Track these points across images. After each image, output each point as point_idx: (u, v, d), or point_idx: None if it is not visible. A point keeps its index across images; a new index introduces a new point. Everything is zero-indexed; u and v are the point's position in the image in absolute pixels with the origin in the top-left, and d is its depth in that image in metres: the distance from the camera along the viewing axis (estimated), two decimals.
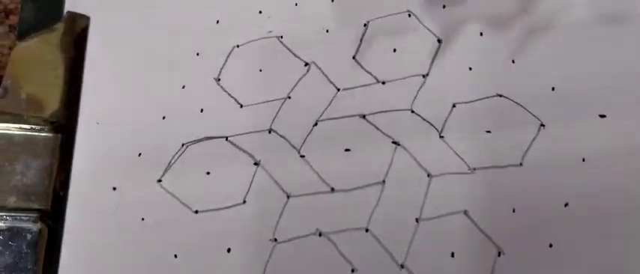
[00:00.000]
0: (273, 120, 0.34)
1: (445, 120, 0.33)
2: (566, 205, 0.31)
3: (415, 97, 0.34)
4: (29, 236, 0.33)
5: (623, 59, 0.33)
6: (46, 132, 0.35)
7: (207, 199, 0.33)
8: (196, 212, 0.33)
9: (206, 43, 0.36)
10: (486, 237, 0.31)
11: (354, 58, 0.35)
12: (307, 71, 0.35)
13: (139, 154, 0.35)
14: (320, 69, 0.35)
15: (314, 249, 0.32)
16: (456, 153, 0.32)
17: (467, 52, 0.34)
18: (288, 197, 0.33)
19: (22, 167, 0.34)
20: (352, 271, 0.32)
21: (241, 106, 0.35)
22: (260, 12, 0.37)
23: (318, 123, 0.34)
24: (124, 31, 0.38)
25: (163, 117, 0.35)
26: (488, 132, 0.33)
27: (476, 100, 0.33)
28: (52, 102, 0.36)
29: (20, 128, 0.35)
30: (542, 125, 0.32)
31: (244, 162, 0.34)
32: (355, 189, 0.33)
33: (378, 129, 0.34)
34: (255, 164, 0.34)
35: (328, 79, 0.35)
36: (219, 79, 0.36)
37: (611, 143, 0.31)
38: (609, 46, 0.33)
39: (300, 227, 0.32)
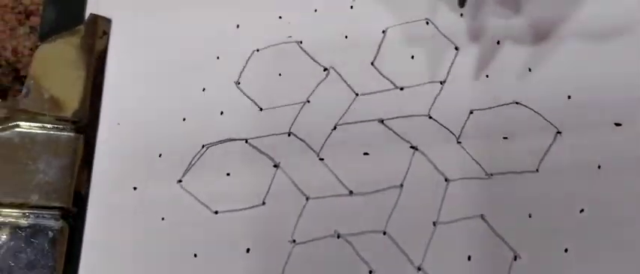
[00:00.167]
0: (293, 123, 0.35)
1: (462, 126, 0.34)
2: (581, 211, 0.31)
3: (433, 103, 0.34)
4: (51, 234, 0.34)
5: (638, 69, 0.33)
6: (68, 131, 0.36)
7: (226, 200, 0.34)
8: (216, 212, 0.34)
9: (227, 47, 0.37)
10: (502, 241, 0.32)
11: (372, 63, 0.36)
12: (326, 76, 0.36)
13: (160, 155, 0.35)
14: (339, 74, 0.36)
15: (332, 251, 0.32)
16: (473, 159, 0.33)
17: (484, 59, 0.35)
18: (307, 199, 0.33)
19: (44, 165, 0.35)
20: (370, 272, 0.32)
21: (261, 109, 0.36)
22: (280, 17, 0.37)
23: (337, 127, 0.35)
24: (146, 33, 0.38)
25: (184, 119, 0.36)
26: (505, 138, 0.33)
27: (493, 107, 0.34)
28: (74, 103, 0.36)
29: (43, 127, 0.35)
30: (559, 132, 0.33)
31: (264, 164, 0.34)
32: (373, 192, 0.33)
33: (396, 133, 0.34)
34: (275, 166, 0.34)
35: (347, 84, 0.36)
36: (239, 82, 0.36)
37: (626, 150, 0.32)
38: (625, 55, 0.34)
39: (318, 228, 0.33)
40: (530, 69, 0.34)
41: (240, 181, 0.34)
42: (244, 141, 0.35)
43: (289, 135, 0.35)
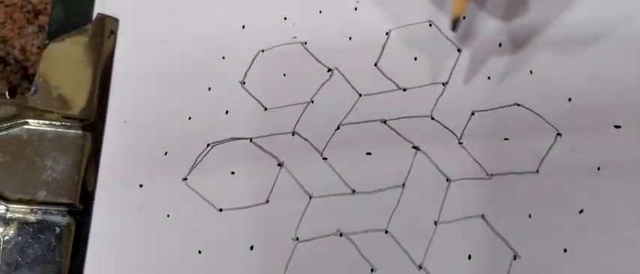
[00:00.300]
0: (297, 123, 0.36)
1: (464, 127, 0.34)
2: (580, 212, 0.32)
3: (435, 104, 0.35)
4: (58, 230, 0.34)
5: (638, 72, 0.34)
6: (76, 129, 0.36)
7: (231, 198, 0.34)
8: (221, 210, 0.34)
9: (232, 47, 0.38)
10: (502, 241, 0.32)
11: (375, 65, 0.36)
12: (330, 76, 0.36)
13: (166, 153, 0.36)
14: (343, 75, 0.36)
15: (334, 249, 0.33)
16: (475, 159, 0.33)
17: (486, 61, 0.35)
18: (310, 197, 0.34)
19: (52, 162, 0.35)
20: (371, 271, 0.32)
21: (265, 109, 0.36)
22: (285, 18, 0.38)
23: (341, 127, 0.35)
24: (152, 33, 0.39)
25: (189, 118, 0.36)
26: (506, 139, 0.34)
27: (494, 108, 0.34)
28: (82, 101, 0.37)
29: (51, 124, 0.36)
30: (559, 134, 0.33)
31: (268, 163, 0.35)
32: (376, 191, 0.34)
33: (398, 134, 0.35)
34: (279, 165, 0.35)
35: (350, 85, 0.36)
36: (244, 82, 0.37)
37: (626, 153, 0.32)
38: (625, 58, 0.34)
39: (321, 227, 0.33)
40: (531, 72, 0.35)
41: (244, 179, 0.35)
42: (249, 140, 0.36)
43: (293, 134, 0.35)
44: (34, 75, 0.38)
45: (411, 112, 0.35)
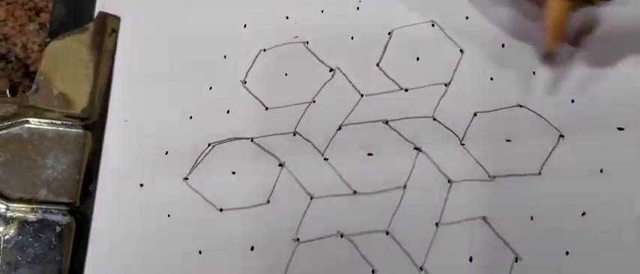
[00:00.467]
0: (298, 123, 0.35)
1: (466, 128, 0.34)
2: (583, 214, 0.32)
3: (437, 105, 0.35)
4: (58, 229, 0.34)
5: None
6: (76, 128, 0.36)
7: (232, 198, 0.34)
8: (221, 210, 0.34)
9: (233, 46, 0.37)
10: (504, 243, 0.32)
11: (377, 65, 0.36)
12: (332, 76, 0.36)
13: (166, 152, 0.36)
14: (344, 75, 0.36)
15: (335, 250, 0.33)
16: (477, 161, 0.33)
17: (488, 62, 0.35)
18: (311, 198, 0.34)
19: (52, 161, 0.35)
20: (372, 272, 0.32)
21: (267, 109, 0.36)
22: (287, 17, 0.38)
23: (342, 127, 0.35)
24: (154, 32, 0.39)
25: (190, 117, 0.36)
26: (509, 141, 0.33)
27: (497, 110, 0.34)
28: (83, 100, 0.37)
29: (52, 123, 0.36)
30: (562, 136, 0.33)
31: (269, 163, 0.35)
32: (377, 192, 0.34)
33: (400, 134, 0.34)
34: (280, 165, 0.35)
35: (352, 85, 0.36)
36: (245, 82, 0.37)
37: (628, 155, 0.32)
38: (628, 61, 0.34)
39: (322, 228, 0.33)
40: (534, 73, 0.35)
41: (245, 179, 0.35)
42: (250, 140, 0.35)
43: (294, 134, 0.35)
44: (35, 73, 0.38)
45: (413, 113, 0.35)
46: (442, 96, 0.35)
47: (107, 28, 0.39)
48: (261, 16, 0.38)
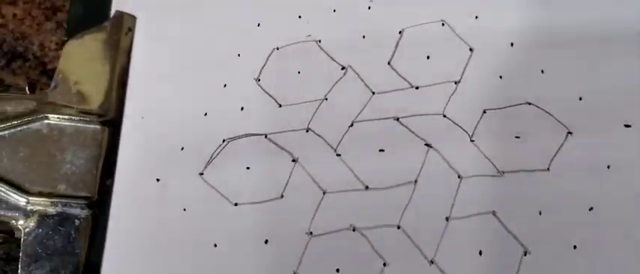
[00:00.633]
0: (311, 119, 0.36)
1: (476, 125, 0.35)
2: (590, 209, 0.32)
3: (447, 102, 0.35)
4: (77, 222, 0.35)
5: None
6: (94, 124, 0.37)
7: (246, 193, 0.35)
8: (236, 204, 0.35)
9: (247, 45, 0.38)
10: (513, 237, 0.33)
11: (389, 63, 0.37)
12: (344, 74, 0.37)
13: (182, 148, 0.36)
14: (356, 73, 0.37)
15: (347, 243, 0.34)
16: (486, 157, 0.34)
17: (498, 60, 0.36)
18: (323, 193, 0.35)
19: (71, 156, 0.36)
20: (384, 265, 0.33)
21: (280, 106, 0.37)
22: (299, 16, 0.39)
23: (354, 124, 0.36)
24: (169, 31, 0.39)
25: (205, 114, 0.37)
26: (518, 137, 0.34)
27: (506, 107, 0.35)
28: (100, 96, 0.38)
29: (70, 119, 0.37)
30: (570, 132, 0.34)
31: (282, 159, 0.35)
32: (388, 187, 0.34)
33: (411, 131, 0.35)
34: (293, 161, 0.35)
35: (364, 83, 0.37)
36: (259, 79, 0.38)
37: (635, 151, 0.33)
38: (636, 58, 0.35)
39: (334, 222, 0.34)
40: (542, 71, 0.35)
41: (259, 175, 0.35)
42: (264, 136, 0.36)
43: (307, 131, 0.36)
44: (52, 70, 0.39)
45: (424, 110, 0.35)
46: (452, 94, 0.36)
47: (123, 26, 0.39)
48: (275, 15, 0.39)
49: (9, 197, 0.35)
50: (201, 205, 0.35)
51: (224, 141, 0.36)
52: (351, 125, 0.36)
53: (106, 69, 0.38)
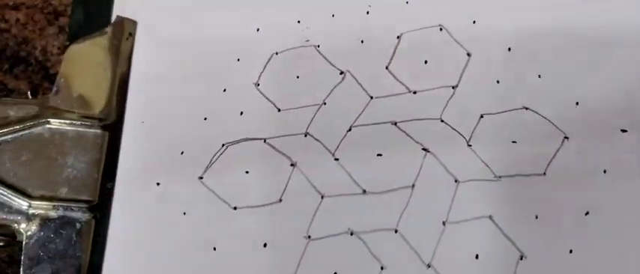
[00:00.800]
0: (309, 124, 0.36)
1: (473, 130, 0.35)
2: (586, 214, 0.33)
3: (445, 107, 0.36)
4: (78, 226, 0.35)
5: None
6: (95, 128, 0.37)
7: (245, 196, 0.35)
8: (235, 208, 0.35)
9: (246, 50, 0.39)
10: (509, 241, 0.33)
11: (387, 68, 0.37)
12: (342, 79, 0.37)
13: (182, 152, 0.37)
14: (354, 77, 0.37)
15: (345, 247, 0.34)
16: (483, 161, 0.34)
17: (495, 65, 0.36)
18: (322, 197, 0.35)
19: (72, 160, 0.36)
20: (381, 269, 0.33)
21: (279, 110, 0.37)
22: (298, 22, 0.39)
23: (352, 128, 0.36)
24: (169, 36, 0.40)
25: (205, 118, 0.37)
26: (514, 142, 0.34)
27: (503, 112, 0.35)
28: (101, 101, 0.38)
29: (72, 124, 0.37)
30: (566, 137, 0.34)
31: (281, 163, 0.36)
32: (386, 191, 0.34)
33: (408, 136, 0.35)
34: (292, 165, 0.36)
35: (362, 87, 0.37)
36: (258, 84, 0.38)
37: (632, 156, 0.33)
38: (632, 64, 0.35)
39: (332, 225, 0.34)
40: (539, 76, 0.35)
41: (258, 179, 0.36)
42: (263, 141, 0.36)
43: (306, 135, 0.36)
44: (54, 75, 0.39)
45: (421, 115, 0.36)
46: (449, 99, 0.36)
47: (124, 31, 0.40)
48: (274, 20, 0.39)
49: (11, 201, 0.35)
50: (201, 209, 0.35)
51: (223, 145, 0.37)
52: (350, 129, 0.36)
53: (107, 74, 0.39)
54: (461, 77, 0.36)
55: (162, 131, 0.37)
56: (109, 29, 0.40)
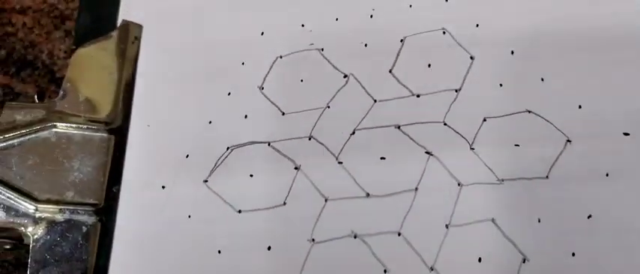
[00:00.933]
0: (313, 127, 0.37)
1: (476, 133, 0.35)
2: (589, 217, 0.33)
3: (448, 110, 0.36)
4: (84, 229, 0.36)
5: None
6: (101, 132, 0.38)
7: (249, 200, 0.36)
8: (239, 211, 0.36)
9: (251, 54, 0.39)
10: (512, 245, 0.33)
11: (390, 71, 0.37)
12: (346, 82, 0.37)
13: (187, 156, 0.37)
14: (358, 81, 0.37)
15: (349, 250, 0.34)
16: (486, 165, 0.34)
17: (498, 69, 0.36)
18: (325, 200, 0.35)
19: (79, 164, 0.37)
20: (384, 272, 0.34)
21: (283, 114, 0.37)
22: (302, 25, 0.39)
23: (356, 131, 0.36)
24: (175, 40, 0.40)
25: (210, 122, 0.38)
26: (517, 145, 0.34)
27: (506, 115, 0.35)
28: (107, 105, 0.38)
29: (78, 127, 0.37)
30: (569, 141, 0.34)
31: (285, 167, 0.36)
32: (389, 195, 0.35)
33: (412, 139, 0.36)
34: (296, 168, 0.36)
35: (366, 91, 0.37)
36: (262, 88, 0.38)
37: (634, 159, 0.33)
38: (635, 67, 0.35)
39: (336, 229, 0.34)
40: (542, 79, 0.36)
41: (262, 182, 0.36)
42: (267, 144, 0.37)
43: (310, 139, 0.37)
44: (61, 79, 0.40)
45: (425, 118, 0.36)
46: (453, 102, 0.36)
47: (130, 35, 0.40)
48: (278, 24, 0.39)
49: (18, 204, 0.36)
50: (206, 212, 0.36)
51: (228, 148, 0.37)
52: (353, 133, 0.36)
53: (113, 78, 0.39)
54: (464, 80, 0.36)
55: (168, 134, 0.38)
56: (115, 33, 0.40)
